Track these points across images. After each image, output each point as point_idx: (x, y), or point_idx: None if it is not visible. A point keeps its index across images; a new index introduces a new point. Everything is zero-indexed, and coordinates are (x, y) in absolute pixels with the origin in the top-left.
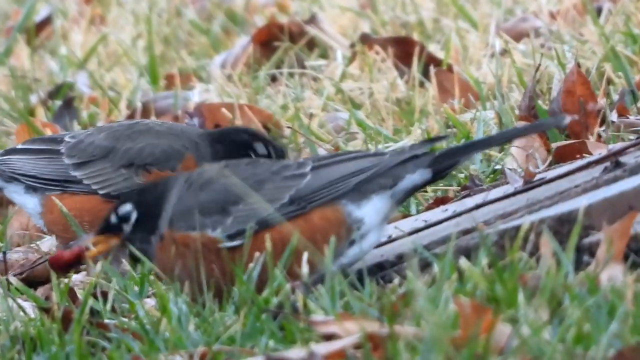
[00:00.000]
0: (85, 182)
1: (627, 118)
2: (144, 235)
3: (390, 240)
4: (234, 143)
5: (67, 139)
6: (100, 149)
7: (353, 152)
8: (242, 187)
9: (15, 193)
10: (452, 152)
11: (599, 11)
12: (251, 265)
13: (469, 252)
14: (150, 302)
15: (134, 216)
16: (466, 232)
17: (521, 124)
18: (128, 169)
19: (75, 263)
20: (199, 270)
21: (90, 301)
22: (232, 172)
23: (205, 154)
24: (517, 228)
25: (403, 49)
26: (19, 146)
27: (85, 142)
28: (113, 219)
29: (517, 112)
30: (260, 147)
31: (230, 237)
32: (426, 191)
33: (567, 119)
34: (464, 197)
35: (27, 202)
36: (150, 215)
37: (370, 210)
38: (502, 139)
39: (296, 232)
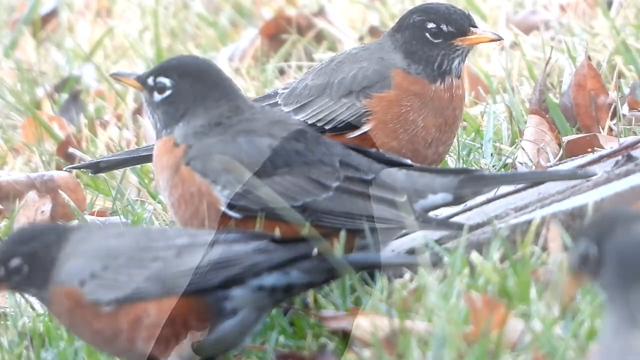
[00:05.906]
0: (309, 122)
1: (639, 111)
2: None
3: (402, 234)
4: (407, 27)
5: (280, 91)
6: (316, 88)
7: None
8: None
9: None
10: (476, 181)
11: (609, 4)
12: None
13: (480, 247)
14: None
15: None
16: (477, 226)
17: (532, 117)
18: (348, 97)
19: None
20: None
21: None
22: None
23: (393, 51)
24: (529, 222)
25: None
26: None
27: (299, 87)
28: None
29: (527, 105)
30: (431, 26)
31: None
32: None
33: (598, 174)
34: None
35: None
36: None
37: None
38: (529, 179)
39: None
